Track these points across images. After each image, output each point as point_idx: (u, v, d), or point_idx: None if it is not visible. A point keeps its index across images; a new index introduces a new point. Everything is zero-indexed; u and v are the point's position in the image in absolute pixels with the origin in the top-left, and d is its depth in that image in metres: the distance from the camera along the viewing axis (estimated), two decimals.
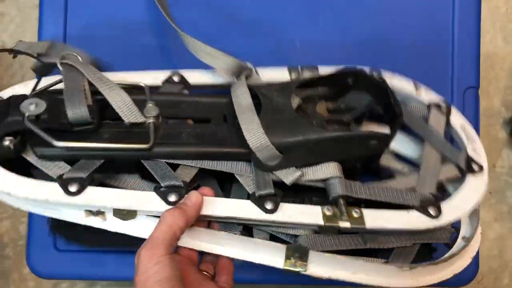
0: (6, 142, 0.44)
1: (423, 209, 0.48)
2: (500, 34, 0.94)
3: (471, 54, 0.62)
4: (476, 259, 0.60)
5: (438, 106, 0.54)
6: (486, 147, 0.54)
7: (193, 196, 0.44)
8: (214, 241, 0.47)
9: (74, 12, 0.62)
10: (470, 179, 0.51)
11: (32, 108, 0.43)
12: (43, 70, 0.52)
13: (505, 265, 0.91)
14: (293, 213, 0.46)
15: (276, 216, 0.45)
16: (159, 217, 0.43)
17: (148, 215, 0.46)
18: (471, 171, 0.51)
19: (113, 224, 0.46)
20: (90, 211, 0.46)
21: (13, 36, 0.96)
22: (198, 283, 0.44)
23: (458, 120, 0.55)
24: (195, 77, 0.53)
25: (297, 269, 0.45)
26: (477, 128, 0.61)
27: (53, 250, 0.59)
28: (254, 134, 0.45)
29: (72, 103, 0.44)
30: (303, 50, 0.61)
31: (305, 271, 0.45)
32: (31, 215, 0.60)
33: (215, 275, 0.47)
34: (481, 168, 0.52)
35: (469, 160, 0.52)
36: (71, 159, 0.46)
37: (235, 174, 0.47)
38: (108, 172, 0.47)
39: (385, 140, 0.48)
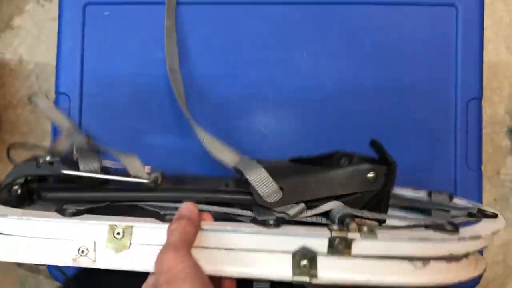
0: (15, 187, 0.46)
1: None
2: (503, 44, 0.96)
3: (474, 66, 0.64)
4: None
5: None
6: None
7: (186, 205, 0.43)
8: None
9: (91, 27, 0.65)
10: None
11: (47, 157, 0.47)
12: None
13: (510, 271, 0.93)
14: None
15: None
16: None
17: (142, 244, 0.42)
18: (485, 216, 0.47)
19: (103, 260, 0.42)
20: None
21: (29, 49, 1.00)
22: None
23: None
24: None
25: (306, 278, 0.40)
26: (480, 138, 0.63)
27: None
28: (255, 172, 0.45)
29: (86, 159, 0.47)
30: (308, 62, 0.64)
31: (316, 279, 0.40)
32: None
33: None
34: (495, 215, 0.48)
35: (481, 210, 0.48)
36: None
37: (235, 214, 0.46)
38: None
39: (383, 174, 0.46)
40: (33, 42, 1.00)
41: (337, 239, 0.40)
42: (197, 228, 0.41)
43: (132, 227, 0.41)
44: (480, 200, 0.62)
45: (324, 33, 0.64)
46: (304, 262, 0.40)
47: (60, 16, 0.65)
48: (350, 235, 0.40)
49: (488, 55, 0.93)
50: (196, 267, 0.36)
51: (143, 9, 0.65)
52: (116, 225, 0.41)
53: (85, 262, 0.41)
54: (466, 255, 0.42)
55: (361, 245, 0.39)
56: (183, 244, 0.38)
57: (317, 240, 0.40)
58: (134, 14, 0.65)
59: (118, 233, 0.41)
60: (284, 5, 0.64)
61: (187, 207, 0.43)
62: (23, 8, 0.99)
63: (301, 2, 0.64)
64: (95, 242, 0.41)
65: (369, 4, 0.64)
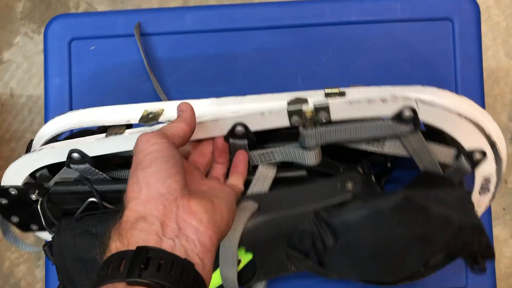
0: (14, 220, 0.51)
1: None
2: (502, 49, 0.94)
3: (474, 78, 0.62)
4: (493, 276, 0.60)
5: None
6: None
7: (182, 104, 0.43)
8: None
9: (77, 61, 0.63)
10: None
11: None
12: None
13: None
14: None
15: None
16: None
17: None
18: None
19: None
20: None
21: (20, 83, 0.98)
22: (199, 180, 0.43)
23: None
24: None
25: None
26: None
27: None
28: None
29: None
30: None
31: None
32: (47, 265, 0.61)
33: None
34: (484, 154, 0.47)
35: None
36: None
37: None
38: None
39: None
40: (23, 75, 0.98)
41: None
42: (189, 125, 0.41)
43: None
44: (488, 210, 0.61)
45: (318, 56, 0.62)
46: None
47: (45, 53, 0.64)
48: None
49: (488, 62, 0.91)
50: (169, 151, 0.36)
51: (129, 41, 0.63)
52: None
53: None
54: None
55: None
56: (166, 132, 0.39)
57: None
58: (120, 47, 0.63)
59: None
60: (273, 29, 0.62)
61: (182, 106, 0.43)
62: (11, 42, 0.98)
63: (294, 25, 0.62)
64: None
65: (364, 23, 0.62)
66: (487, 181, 0.49)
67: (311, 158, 0.47)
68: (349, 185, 0.46)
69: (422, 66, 0.62)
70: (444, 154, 0.48)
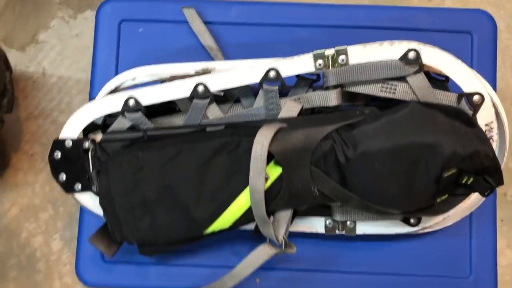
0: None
1: (404, 220, 0.57)
2: (510, 72, 1.00)
3: None
4: (495, 277, 0.64)
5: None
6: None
7: None
8: None
9: (126, 41, 0.68)
10: None
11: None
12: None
13: None
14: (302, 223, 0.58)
15: None
16: None
17: None
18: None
19: None
20: None
21: (53, 63, 1.02)
22: None
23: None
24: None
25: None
26: None
27: (101, 261, 0.64)
28: None
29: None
30: None
31: None
32: (81, 227, 0.65)
33: None
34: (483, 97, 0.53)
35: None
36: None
37: None
38: None
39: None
40: (56, 56, 1.02)
41: None
42: None
43: None
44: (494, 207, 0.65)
45: None
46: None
47: (96, 32, 0.68)
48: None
49: (497, 83, 0.96)
50: None
51: (177, 26, 0.67)
52: None
53: None
54: None
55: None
56: None
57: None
58: (168, 31, 0.67)
59: None
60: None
61: None
62: (48, 24, 1.02)
63: (331, 25, 0.68)
64: None
65: (392, 29, 0.67)
66: (489, 128, 0.54)
67: (333, 98, 0.53)
68: (367, 111, 0.52)
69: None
70: (446, 97, 0.53)
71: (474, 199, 0.57)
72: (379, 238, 0.62)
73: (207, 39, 0.66)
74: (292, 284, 0.63)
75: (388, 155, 0.48)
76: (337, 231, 0.59)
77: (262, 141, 0.50)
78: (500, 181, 0.50)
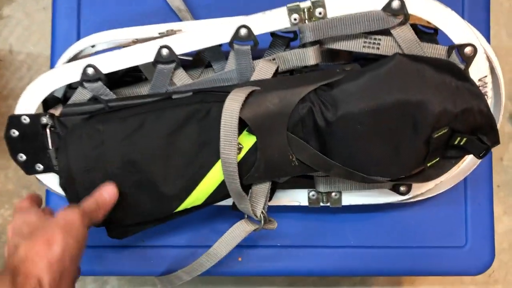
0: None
1: (394, 189, 0.53)
2: (504, 30, 0.95)
3: None
4: (492, 246, 0.60)
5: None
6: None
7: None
8: None
9: (87, 7, 0.62)
10: None
11: None
12: None
13: None
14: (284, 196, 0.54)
15: None
16: None
17: None
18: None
19: None
20: None
21: (20, 39, 0.97)
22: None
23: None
24: None
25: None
26: None
27: None
28: None
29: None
30: None
31: None
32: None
33: None
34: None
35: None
36: None
37: None
38: None
39: None
40: (23, 32, 0.97)
41: None
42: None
43: None
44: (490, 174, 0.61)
45: None
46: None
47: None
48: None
49: (490, 42, 0.92)
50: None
51: None
52: None
53: None
54: None
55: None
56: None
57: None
58: None
59: None
60: None
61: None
62: None
63: None
64: None
65: None
66: (483, 83, 0.49)
67: (311, 56, 0.49)
68: (348, 68, 0.48)
69: None
70: (435, 50, 0.49)
71: (468, 163, 0.53)
72: (367, 209, 0.58)
73: (174, 0, 0.61)
74: (276, 262, 0.59)
75: (372, 116, 0.44)
76: (321, 203, 0.55)
77: (232, 106, 0.45)
78: (496, 140, 0.46)
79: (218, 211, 0.58)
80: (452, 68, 0.46)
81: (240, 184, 0.46)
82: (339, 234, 0.59)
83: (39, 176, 0.54)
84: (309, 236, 0.60)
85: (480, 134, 0.45)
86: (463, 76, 0.46)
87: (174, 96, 0.50)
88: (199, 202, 0.50)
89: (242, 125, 0.46)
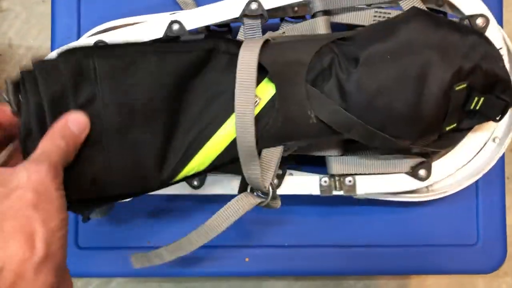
0: None
1: (412, 173, 0.50)
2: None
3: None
4: (504, 244, 0.59)
5: None
6: (508, 122, 0.52)
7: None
8: None
9: (87, 2, 0.61)
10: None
11: None
12: None
13: None
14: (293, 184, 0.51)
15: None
16: None
17: None
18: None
19: None
20: None
21: (19, 33, 0.95)
22: None
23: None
24: None
25: None
26: None
27: (74, 247, 0.59)
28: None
29: None
30: None
31: None
32: None
33: None
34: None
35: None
36: None
37: None
38: None
39: None
40: (22, 25, 0.95)
41: None
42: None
43: None
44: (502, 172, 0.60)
45: None
46: None
47: None
48: (335, 192, 0.52)
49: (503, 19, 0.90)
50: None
51: None
52: None
53: None
54: None
55: None
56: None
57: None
58: None
59: None
60: None
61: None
62: None
63: None
64: None
65: None
66: None
67: (321, 26, 0.48)
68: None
69: None
70: None
71: (483, 162, 0.52)
72: (377, 208, 0.57)
73: None
74: (285, 262, 0.58)
75: (394, 61, 0.42)
76: (334, 192, 0.51)
77: (251, 46, 0.42)
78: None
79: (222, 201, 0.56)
80: (469, 28, 0.47)
81: (255, 140, 0.42)
82: (348, 233, 0.58)
83: None
84: (320, 235, 0.58)
85: (497, 92, 0.44)
86: (480, 33, 0.46)
87: (182, 38, 0.48)
88: (203, 167, 0.44)
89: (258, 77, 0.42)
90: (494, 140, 0.52)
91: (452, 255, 0.58)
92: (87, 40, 0.49)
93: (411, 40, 0.43)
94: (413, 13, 0.45)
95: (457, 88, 0.43)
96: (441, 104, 0.43)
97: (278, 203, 0.46)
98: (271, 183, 0.44)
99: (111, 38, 0.49)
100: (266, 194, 0.45)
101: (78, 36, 0.61)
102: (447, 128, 0.45)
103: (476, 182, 0.58)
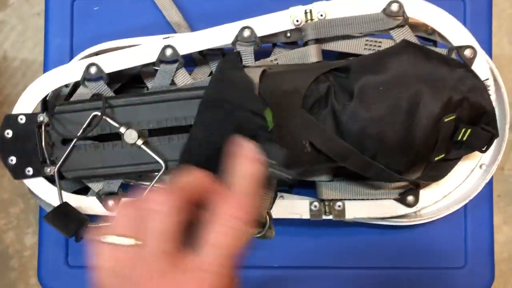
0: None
1: (401, 199, 0.51)
2: (506, 37, 0.94)
3: None
4: (491, 266, 0.60)
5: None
6: (495, 150, 0.53)
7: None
8: None
9: (80, 21, 0.61)
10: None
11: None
12: None
13: None
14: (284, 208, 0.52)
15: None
16: None
17: None
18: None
19: None
20: None
21: (14, 46, 0.95)
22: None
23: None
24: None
25: None
26: None
27: (64, 266, 0.59)
28: None
29: None
30: None
31: None
32: (41, 230, 0.60)
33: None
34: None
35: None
36: None
37: None
38: None
39: None
40: (18, 38, 0.95)
41: None
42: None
43: None
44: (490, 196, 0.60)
45: None
46: None
47: (46, 11, 0.61)
48: (325, 217, 0.52)
49: (493, 49, 0.91)
50: None
51: (135, 2, 0.61)
52: None
53: None
54: None
55: None
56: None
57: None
58: (128, 8, 0.61)
59: None
60: None
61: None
62: (6, 2, 0.95)
63: None
64: None
65: None
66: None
67: (313, 53, 0.49)
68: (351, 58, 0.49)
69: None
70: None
71: (471, 188, 0.53)
72: (366, 230, 0.58)
73: (173, 15, 0.59)
74: (273, 284, 0.58)
75: (386, 93, 0.44)
76: (323, 216, 0.52)
77: (252, 75, 0.44)
78: (497, 132, 0.47)
79: None
80: (456, 61, 0.47)
81: None
82: (338, 255, 0.58)
83: (27, 181, 0.52)
84: (308, 257, 0.58)
85: (483, 123, 0.46)
86: (467, 66, 0.47)
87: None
88: None
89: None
90: (481, 166, 0.52)
91: (440, 277, 0.59)
92: (82, 63, 0.51)
93: (402, 72, 0.44)
94: (404, 45, 0.46)
95: (446, 120, 0.44)
96: (431, 135, 0.44)
97: (273, 233, 0.46)
98: (267, 212, 0.44)
99: (103, 61, 0.50)
100: (264, 224, 0.43)
101: (71, 55, 0.61)
102: (436, 159, 0.46)
103: (465, 207, 0.59)
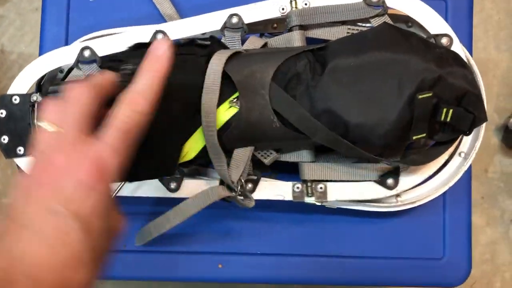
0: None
1: (381, 181, 0.53)
2: (492, 42, 0.96)
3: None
4: (469, 259, 0.61)
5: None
6: (479, 153, 0.54)
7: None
8: None
9: (76, 13, 0.63)
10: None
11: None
12: None
13: (497, 269, 0.93)
14: (266, 189, 0.53)
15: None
16: None
17: None
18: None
19: None
20: None
21: (12, 40, 0.97)
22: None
23: None
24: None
25: None
26: None
27: None
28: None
29: None
30: None
31: None
32: None
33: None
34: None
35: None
36: None
37: None
38: None
39: None
40: (16, 32, 0.97)
41: None
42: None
43: None
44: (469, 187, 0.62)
45: None
46: None
47: (43, 4, 0.63)
48: (307, 200, 0.54)
49: (478, 54, 0.93)
50: None
51: None
52: None
53: None
54: None
55: None
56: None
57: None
58: (120, 1, 0.62)
59: None
60: None
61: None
62: None
63: None
64: None
65: None
66: None
67: (297, 39, 0.52)
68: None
69: None
70: None
71: (451, 174, 0.54)
72: (346, 219, 0.59)
73: (166, 7, 0.61)
74: (256, 270, 0.60)
75: (357, 70, 0.45)
76: (306, 198, 0.53)
77: (221, 56, 0.46)
78: (483, 115, 0.46)
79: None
80: (437, 44, 0.49)
81: (217, 140, 0.46)
82: (317, 243, 0.60)
83: (18, 160, 0.53)
84: (288, 245, 0.60)
85: (465, 104, 0.45)
86: (447, 48, 0.49)
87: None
88: (189, 157, 0.49)
89: (233, 88, 0.47)
90: (460, 154, 0.54)
91: (419, 268, 0.60)
92: (76, 46, 0.53)
93: (379, 51, 0.45)
94: (384, 26, 0.48)
95: (420, 97, 0.44)
96: (404, 112, 0.44)
97: (251, 203, 0.50)
98: (240, 180, 0.49)
99: (97, 45, 0.52)
100: (234, 189, 0.49)
101: (66, 44, 0.62)
102: (415, 137, 0.46)
103: (444, 197, 0.60)
